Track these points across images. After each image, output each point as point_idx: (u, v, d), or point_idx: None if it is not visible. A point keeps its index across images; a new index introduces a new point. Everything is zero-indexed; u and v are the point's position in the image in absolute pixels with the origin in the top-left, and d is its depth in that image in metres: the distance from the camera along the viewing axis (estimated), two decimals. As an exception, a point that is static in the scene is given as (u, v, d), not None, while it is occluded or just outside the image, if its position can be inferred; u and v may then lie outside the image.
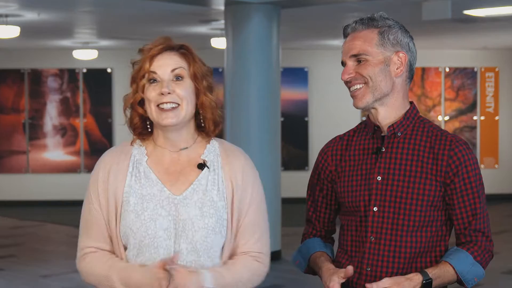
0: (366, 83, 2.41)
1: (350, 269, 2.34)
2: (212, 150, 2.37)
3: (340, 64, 2.49)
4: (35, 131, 13.57)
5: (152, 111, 2.29)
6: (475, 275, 2.40)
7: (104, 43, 12.53)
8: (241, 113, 8.40)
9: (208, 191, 2.30)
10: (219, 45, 11.10)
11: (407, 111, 2.47)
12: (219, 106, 2.37)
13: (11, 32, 9.72)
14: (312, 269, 2.59)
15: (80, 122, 13.61)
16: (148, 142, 2.38)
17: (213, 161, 2.35)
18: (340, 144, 2.56)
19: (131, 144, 2.39)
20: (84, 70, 13.60)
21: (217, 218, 2.29)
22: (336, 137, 2.62)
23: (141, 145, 2.37)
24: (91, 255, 2.36)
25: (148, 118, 2.33)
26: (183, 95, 2.27)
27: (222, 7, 8.57)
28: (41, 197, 13.47)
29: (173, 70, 2.29)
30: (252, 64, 8.35)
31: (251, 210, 2.35)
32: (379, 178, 2.42)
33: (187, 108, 2.28)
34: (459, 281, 2.41)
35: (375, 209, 2.42)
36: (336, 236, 2.67)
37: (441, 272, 2.37)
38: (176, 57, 2.31)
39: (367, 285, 2.31)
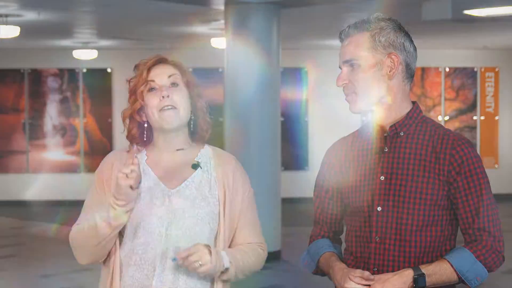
0: (355, 92, 2.42)
1: (371, 276, 2.34)
2: (205, 153, 2.59)
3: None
4: (35, 131, 13.57)
5: (155, 116, 2.50)
6: (477, 274, 2.35)
7: (104, 43, 12.53)
8: (241, 113, 8.40)
9: (201, 187, 2.52)
10: (219, 45, 11.10)
11: (410, 111, 2.46)
12: (208, 112, 2.61)
13: (11, 32, 9.73)
14: (321, 270, 2.58)
15: (80, 122, 13.61)
16: (147, 146, 2.60)
17: (206, 163, 2.57)
18: (344, 145, 2.56)
19: (129, 151, 2.58)
20: (84, 70, 13.60)
21: (208, 211, 2.49)
22: (341, 138, 2.62)
23: (141, 148, 2.59)
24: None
25: (144, 127, 2.54)
26: (179, 100, 2.51)
27: (222, 7, 8.57)
28: (41, 197, 13.47)
29: (169, 77, 2.53)
30: (252, 64, 8.35)
31: (245, 208, 2.57)
32: (382, 178, 2.42)
33: (184, 111, 2.52)
34: (461, 280, 2.37)
35: (379, 209, 2.41)
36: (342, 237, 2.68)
37: (437, 269, 2.34)
38: (170, 66, 2.57)
39: (351, 273, 2.34)
